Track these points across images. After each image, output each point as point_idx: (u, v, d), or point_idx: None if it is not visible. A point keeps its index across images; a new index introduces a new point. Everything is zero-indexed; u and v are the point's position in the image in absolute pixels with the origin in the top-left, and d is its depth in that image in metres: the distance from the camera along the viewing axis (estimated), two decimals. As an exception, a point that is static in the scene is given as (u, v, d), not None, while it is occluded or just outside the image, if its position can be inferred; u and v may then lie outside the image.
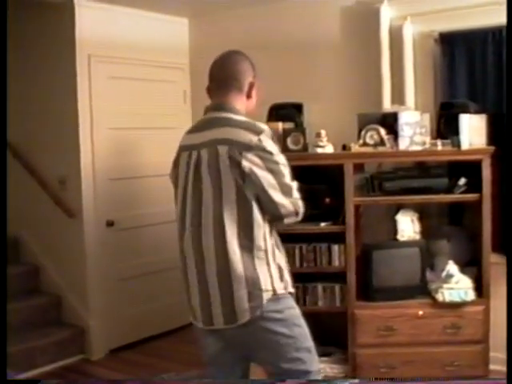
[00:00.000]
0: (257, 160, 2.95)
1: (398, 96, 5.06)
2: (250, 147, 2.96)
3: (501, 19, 4.68)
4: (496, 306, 4.75)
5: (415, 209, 4.85)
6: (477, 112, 4.69)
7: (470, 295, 4.65)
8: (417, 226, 4.79)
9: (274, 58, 5.77)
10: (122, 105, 5.79)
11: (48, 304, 5.80)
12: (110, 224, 5.69)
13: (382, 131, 4.71)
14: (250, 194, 2.95)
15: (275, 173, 2.99)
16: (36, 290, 5.94)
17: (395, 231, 4.77)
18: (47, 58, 5.71)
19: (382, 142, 4.70)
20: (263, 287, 2.97)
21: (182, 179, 3.15)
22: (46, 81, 5.72)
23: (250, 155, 2.94)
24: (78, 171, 5.53)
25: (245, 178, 2.94)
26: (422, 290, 4.75)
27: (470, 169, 4.67)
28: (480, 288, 4.69)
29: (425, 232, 4.78)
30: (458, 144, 4.59)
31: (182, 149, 3.21)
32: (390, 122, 4.76)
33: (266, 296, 2.97)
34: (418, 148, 4.66)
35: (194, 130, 3.27)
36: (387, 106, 5.09)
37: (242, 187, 2.94)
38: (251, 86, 3.34)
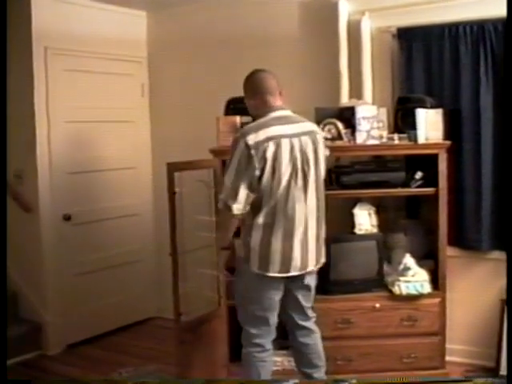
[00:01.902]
0: (322, 143, 4.00)
1: (356, 90, 5.09)
2: (320, 134, 4.03)
3: (457, 15, 4.76)
4: (452, 298, 4.83)
5: (372, 202, 4.88)
6: (433, 107, 4.74)
7: (427, 288, 4.69)
8: (374, 220, 4.82)
9: (232, 52, 5.78)
10: (79, 98, 5.74)
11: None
12: (66, 218, 5.64)
13: (340, 125, 4.74)
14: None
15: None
16: (-9, 286, 5.86)
17: (353, 225, 4.80)
18: (3, 49, 5.63)
19: (339, 136, 4.73)
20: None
21: (287, 159, 3.77)
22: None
23: (321, 140, 4.00)
24: (35, 165, 5.47)
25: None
26: (378, 282, 4.79)
27: (426, 163, 4.72)
28: (436, 281, 4.74)
29: (382, 225, 4.81)
30: (414, 138, 4.63)
31: (281, 137, 3.77)
32: (347, 116, 4.79)
33: None
34: (376, 142, 4.69)
35: (277, 123, 3.83)
36: (345, 100, 5.12)
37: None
38: (281, 93, 4.02)
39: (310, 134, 3.90)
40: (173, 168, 4.35)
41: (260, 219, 3.80)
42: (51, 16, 5.48)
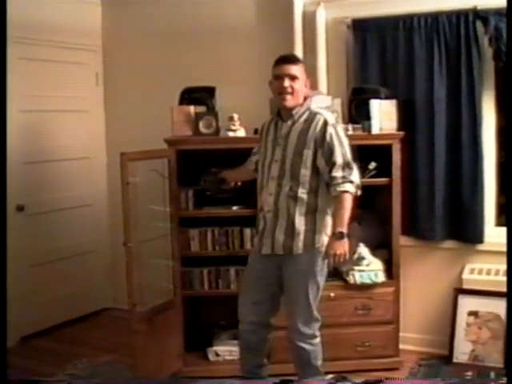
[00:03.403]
0: None
1: (311, 81, 5.09)
2: None
3: (412, 7, 4.79)
4: (406, 287, 4.88)
5: (327, 192, 4.90)
6: (388, 97, 4.78)
7: (381, 277, 4.74)
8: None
9: (188, 42, 5.75)
10: (33, 87, 5.66)
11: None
12: (19, 209, 5.56)
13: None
14: None
15: None
16: None
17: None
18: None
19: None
20: None
21: None
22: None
23: None
24: (-13, 155, 5.39)
25: None
26: (333, 272, 4.80)
27: (380, 153, 4.76)
28: (390, 270, 4.79)
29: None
30: (368, 129, 4.66)
31: None
32: (302, 107, 4.80)
33: None
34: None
35: None
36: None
37: None
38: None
39: None
40: (126, 158, 4.32)
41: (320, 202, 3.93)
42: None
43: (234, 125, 4.81)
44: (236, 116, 4.82)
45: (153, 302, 4.72)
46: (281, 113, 4.04)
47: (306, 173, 3.87)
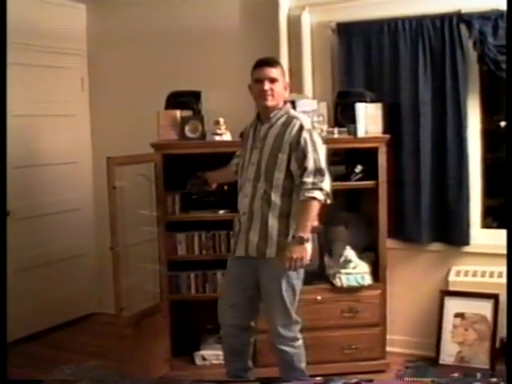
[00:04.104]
0: None
1: (296, 85, 5.09)
2: None
3: (396, 11, 4.82)
4: (392, 290, 4.89)
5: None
6: (373, 101, 4.80)
7: (367, 280, 4.75)
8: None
9: (173, 46, 5.75)
10: (18, 91, 5.62)
11: None
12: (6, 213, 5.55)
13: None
14: None
15: None
16: None
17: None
18: None
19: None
20: None
21: None
22: None
23: None
24: (-29, 159, 5.37)
25: None
26: (320, 275, 4.82)
27: (366, 156, 4.77)
28: (377, 273, 4.81)
29: (323, 218, 4.84)
30: (354, 132, 4.68)
31: None
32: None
33: None
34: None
35: None
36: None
37: None
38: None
39: None
40: (113, 162, 4.32)
41: (293, 206, 3.91)
42: (-12, 7, 5.38)
43: (219, 129, 4.82)
44: (222, 120, 4.83)
45: (140, 307, 4.72)
46: (260, 116, 4.06)
47: (279, 176, 3.88)
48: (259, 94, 3.94)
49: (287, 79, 4.18)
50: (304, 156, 3.81)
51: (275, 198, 3.89)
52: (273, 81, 3.92)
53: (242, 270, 4.04)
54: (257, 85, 3.96)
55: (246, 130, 4.22)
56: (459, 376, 4.63)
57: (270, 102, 3.93)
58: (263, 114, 4.03)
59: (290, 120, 3.93)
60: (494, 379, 4.28)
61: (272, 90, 3.91)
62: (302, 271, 3.96)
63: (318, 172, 3.80)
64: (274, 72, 3.94)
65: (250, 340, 4.25)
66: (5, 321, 3.49)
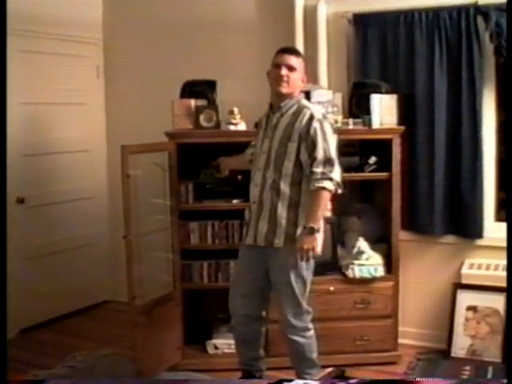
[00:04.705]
0: None
1: (311, 75, 5.07)
2: None
3: (413, 2, 4.80)
4: (405, 281, 4.88)
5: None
6: (388, 92, 4.78)
7: (380, 271, 4.75)
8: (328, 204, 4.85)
9: (189, 35, 5.74)
10: (33, 79, 5.66)
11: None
12: (20, 201, 5.56)
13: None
14: None
15: None
16: None
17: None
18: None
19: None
20: None
21: None
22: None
23: None
24: (-13, 147, 5.39)
25: None
26: (333, 266, 4.82)
27: (380, 147, 4.76)
28: (389, 264, 4.79)
29: (336, 209, 4.85)
30: (369, 123, 4.67)
31: None
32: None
33: None
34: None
35: None
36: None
37: None
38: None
39: None
40: (127, 150, 4.32)
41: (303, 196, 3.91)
42: (5, -4, 5.39)
43: (234, 118, 4.82)
44: (236, 110, 4.83)
45: (152, 295, 4.72)
46: (272, 105, 4.06)
47: (289, 165, 3.88)
48: (275, 79, 3.95)
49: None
50: (314, 146, 3.81)
51: (284, 187, 3.89)
52: (291, 68, 3.92)
53: (252, 261, 4.05)
54: (274, 69, 3.96)
55: (260, 120, 4.21)
56: (470, 369, 4.63)
57: (285, 89, 3.92)
58: (275, 103, 4.02)
59: (300, 109, 3.93)
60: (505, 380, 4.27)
61: (288, 76, 3.90)
62: (312, 262, 3.95)
63: (328, 162, 3.80)
64: (293, 60, 3.94)
65: (261, 330, 4.26)
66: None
